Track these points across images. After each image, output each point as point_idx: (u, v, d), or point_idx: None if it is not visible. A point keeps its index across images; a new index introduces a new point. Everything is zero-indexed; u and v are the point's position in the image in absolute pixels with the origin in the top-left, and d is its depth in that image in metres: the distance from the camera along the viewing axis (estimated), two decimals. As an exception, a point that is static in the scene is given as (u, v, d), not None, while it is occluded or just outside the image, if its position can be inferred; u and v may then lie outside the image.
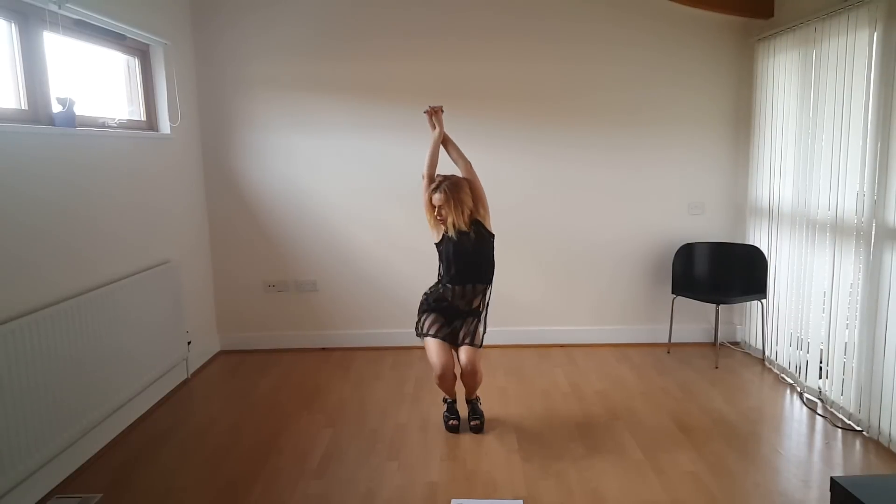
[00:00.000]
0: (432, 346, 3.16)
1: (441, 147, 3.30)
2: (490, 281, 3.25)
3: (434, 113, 3.31)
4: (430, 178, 3.20)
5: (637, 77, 4.32)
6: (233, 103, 4.33)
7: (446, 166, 3.29)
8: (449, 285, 3.22)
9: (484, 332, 3.24)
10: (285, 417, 3.43)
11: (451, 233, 3.13)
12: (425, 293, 3.34)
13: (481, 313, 3.28)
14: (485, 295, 3.27)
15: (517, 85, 4.32)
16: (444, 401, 3.33)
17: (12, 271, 2.56)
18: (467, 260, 3.17)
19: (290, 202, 4.42)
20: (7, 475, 2.39)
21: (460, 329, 3.21)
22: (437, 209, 3.13)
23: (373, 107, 4.32)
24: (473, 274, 3.21)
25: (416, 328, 3.29)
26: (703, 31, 4.28)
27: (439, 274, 3.30)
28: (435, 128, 3.30)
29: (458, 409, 3.31)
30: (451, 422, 3.24)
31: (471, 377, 3.16)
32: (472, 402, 3.31)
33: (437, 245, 3.25)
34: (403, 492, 2.68)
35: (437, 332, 3.19)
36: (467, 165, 3.25)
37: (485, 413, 3.30)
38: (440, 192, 3.10)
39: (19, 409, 2.47)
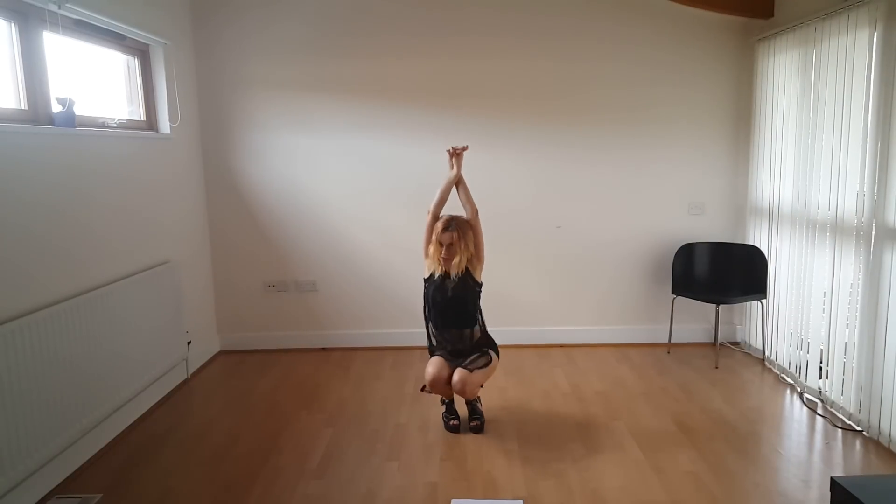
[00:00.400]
0: (431, 361, 3.21)
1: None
2: (472, 325, 3.23)
3: (456, 154, 3.28)
4: (435, 217, 3.21)
5: (637, 77, 4.32)
6: (233, 103, 4.33)
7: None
8: (432, 328, 3.26)
9: (486, 364, 3.21)
10: (285, 417, 3.43)
11: (452, 273, 3.13)
12: (429, 346, 3.35)
13: (490, 341, 3.29)
14: (473, 333, 3.24)
15: (517, 84, 4.32)
16: (442, 402, 3.33)
17: (12, 271, 2.56)
18: (445, 305, 3.18)
19: (289, 202, 4.42)
20: (7, 475, 2.39)
21: (462, 358, 3.22)
22: (444, 248, 3.12)
23: (373, 106, 4.32)
24: (452, 319, 3.22)
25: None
26: (703, 31, 4.28)
27: (425, 316, 3.30)
28: (453, 168, 3.28)
29: (458, 410, 3.31)
30: (451, 422, 3.24)
31: (460, 393, 3.18)
32: (472, 403, 3.30)
33: (425, 281, 3.26)
34: (403, 492, 2.68)
35: (440, 354, 3.24)
36: (475, 211, 3.24)
37: (485, 413, 3.30)
38: (452, 231, 3.11)
39: (19, 409, 2.47)
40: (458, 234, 3.11)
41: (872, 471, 2.81)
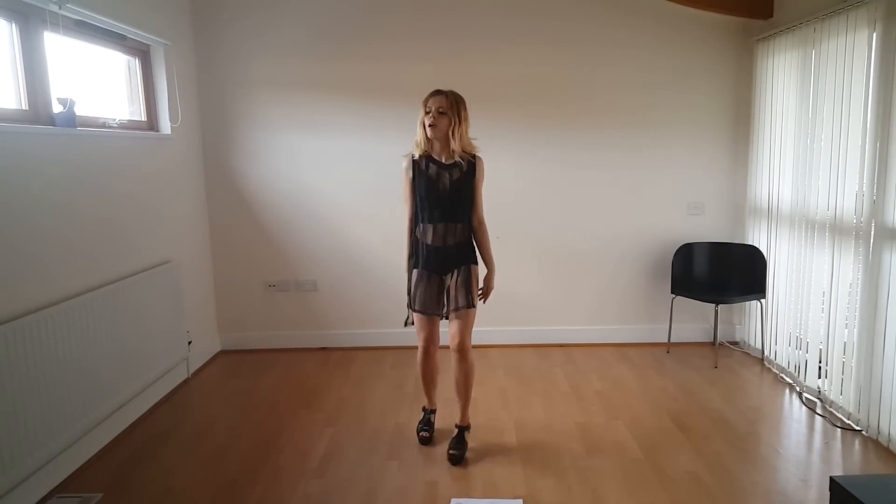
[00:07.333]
0: (418, 323, 2.91)
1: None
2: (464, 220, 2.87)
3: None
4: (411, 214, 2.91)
5: (636, 77, 4.32)
6: (233, 103, 4.33)
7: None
8: (422, 225, 2.86)
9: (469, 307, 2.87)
10: (285, 417, 3.44)
11: (445, 157, 2.78)
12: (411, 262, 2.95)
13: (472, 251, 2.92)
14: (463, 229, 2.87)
15: (517, 86, 4.32)
16: (424, 409, 3.23)
17: (13, 272, 2.56)
18: (440, 197, 2.80)
19: (290, 202, 4.43)
20: (7, 475, 2.40)
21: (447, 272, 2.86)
22: (432, 113, 2.71)
23: (373, 107, 4.33)
24: (448, 212, 2.82)
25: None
26: (703, 32, 4.29)
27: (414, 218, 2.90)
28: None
29: (434, 423, 3.18)
30: (422, 433, 3.09)
31: (459, 351, 2.87)
32: (461, 431, 3.01)
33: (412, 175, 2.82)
34: (403, 491, 2.69)
35: (424, 281, 2.85)
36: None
37: (484, 413, 3.29)
38: (442, 96, 2.72)
39: (19, 408, 2.47)
40: (448, 101, 2.72)
41: (871, 470, 2.81)
